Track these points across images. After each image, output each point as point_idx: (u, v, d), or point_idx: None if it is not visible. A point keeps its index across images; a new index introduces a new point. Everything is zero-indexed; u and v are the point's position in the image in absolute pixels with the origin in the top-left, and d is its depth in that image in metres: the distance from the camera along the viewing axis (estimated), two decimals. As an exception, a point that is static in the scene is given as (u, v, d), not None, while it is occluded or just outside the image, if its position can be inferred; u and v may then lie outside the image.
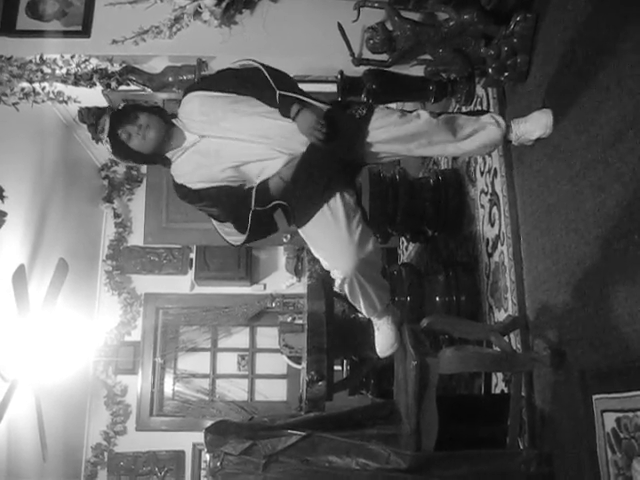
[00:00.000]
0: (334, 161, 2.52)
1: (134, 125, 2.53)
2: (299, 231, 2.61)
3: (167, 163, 2.67)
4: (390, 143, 2.56)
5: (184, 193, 2.65)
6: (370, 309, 2.65)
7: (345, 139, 2.51)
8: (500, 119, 2.66)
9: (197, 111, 2.55)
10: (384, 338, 2.75)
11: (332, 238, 2.48)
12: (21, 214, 4.85)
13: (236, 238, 2.70)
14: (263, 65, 2.56)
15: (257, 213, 2.55)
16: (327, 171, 2.51)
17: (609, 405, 2.13)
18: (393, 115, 2.57)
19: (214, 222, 2.73)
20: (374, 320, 2.74)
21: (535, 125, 2.66)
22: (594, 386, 2.22)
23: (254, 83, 2.52)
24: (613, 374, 2.12)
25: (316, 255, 2.62)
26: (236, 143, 2.51)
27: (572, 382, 2.37)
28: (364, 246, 2.46)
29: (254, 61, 2.59)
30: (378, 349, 2.79)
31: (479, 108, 3.63)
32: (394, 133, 2.53)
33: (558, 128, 2.61)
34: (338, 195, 2.49)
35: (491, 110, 3.37)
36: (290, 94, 2.46)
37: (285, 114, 2.44)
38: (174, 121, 2.60)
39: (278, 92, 2.44)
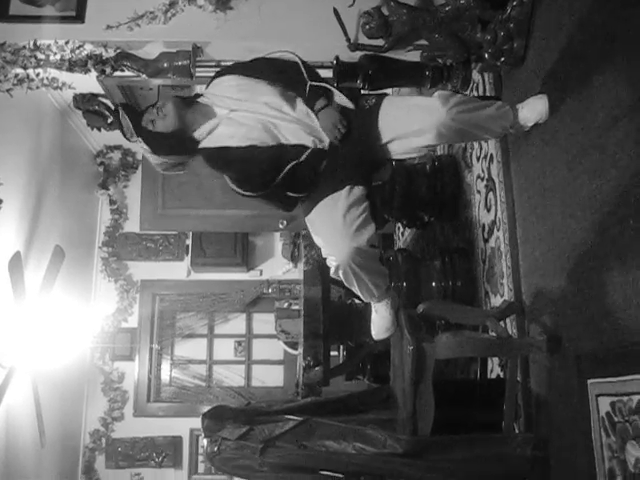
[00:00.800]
0: (355, 155, 2.54)
1: (152, 110, 2.53)
2: (305, 219, 2.65)
3: (195, 145, 2.60)
4: (403, 136, 2.56)
5: (225, 155, 2.56)
6: (367, 295, 2.67)
7: (358, 135, 2.53)
8: (509, 107, 2.65)
9: (234, 90, 2.55)
10: (380, 321, 2.76)
11: (330, 226, 2.51)
12: (17, 201, 4.84)
13: (287, 207, 2.69)
14: (299, 58, 2.58)
15: (299, 167, 2.51)
16: (346, 165, 2.54)
17: (604, 389, 2.14)
18: (404, 102, 2.60)
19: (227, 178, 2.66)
20: (372, 303, 2.76)
21: (531, 111, 2.65)
22: (589, 370, 2.23)
23: (288, 73, 2.54)
24: (608, 359, 2.13)
25: (315, 241, 2.64)
26: (272, 120, 2.50)
27: (567, 367, 2.38)
28: (360, 236, 2.48)
29: (292, 53, 2.61)
30: (373, 332, 2.80)
31: (475, 94, 3.62)
32: (406, 124, 2.54)
33: (554, 114, 2.61)
34: (347, 187, 2.52)
35: (488, 95, 3.37)
36: (321, 84, 2.51)
37: (310, 105, 2.48)
38: (199, 99, 2.60)
39: (309, 83, 2.49)
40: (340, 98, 2.55)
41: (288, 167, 2.51)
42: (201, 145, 2.60)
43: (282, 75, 2.55)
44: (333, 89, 2.56)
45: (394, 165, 3.97)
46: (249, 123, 2.51)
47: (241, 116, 2.52)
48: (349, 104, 2.54)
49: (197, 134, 2.57)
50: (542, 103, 2.63)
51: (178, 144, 2.59)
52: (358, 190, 2.54)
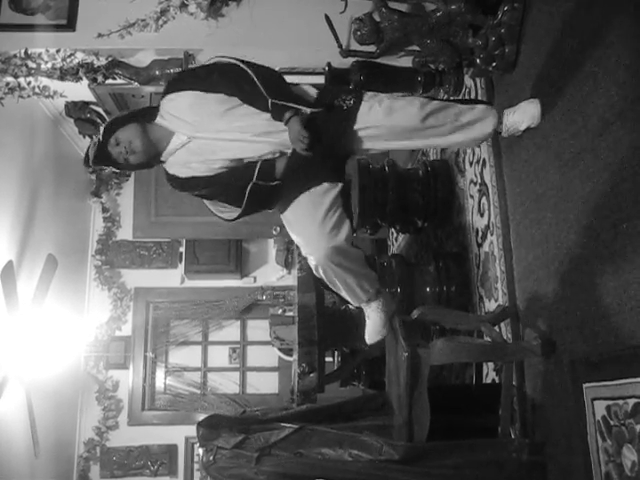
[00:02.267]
0: (320, 154, 2.51)
1: (119, 148, 2.54)
2: (281, 216, 2.66)
3: (162, 162, 2.68)
4: (378, 136, 2.57)
5: (178, 183, 2.66)
6: (353, 298, 2.67)
7: (330, 138, 2.52)
8: (494, 112, 2.66)
9: (187, 111, 2.53)
10: (371, 325, 2.75)
11: (306, 225, 2.54)
12: (9, 210, 4.82)
13: (231, 214, 2.71)
14: (248, 65, 2.53)
15: (256, 186, 2.55)
16: (313, 163, 2.52)
17: (599, 393, 2.14)
18: (382, 104, 2.55)
19: (206, 202, 2.74)
20: (363, 307, 2.75)
21: (523, 115, 2.66)
22: (584, 374, 2.23)
23: (242, 88, 2.50)
24: (603, 362, 2.13)
25: (294, 240, 2.67)
26: (232, 143, 2.52)
27: (563, 371, 2.38)
28: (336, 235, 2.50)
29: (237, 60, 2.55)
30: (366, 335, 2.80)
31: (467, 98, 3.63)
32: (382, 125, 2.54)
33: (546, 118, 2.62)
34: (319, 185, 2.54)
35: (480, 98, 3.38)
36: (281, 103, 2.45)
37: (278, 119, 2.45)
38: (158, 121, 2.58)
39: (270, 101, 2.45)
40: (298, 106, 2.49)
41: (248, 190, 2.55)
42: (165, 165, 2.66)
43: (237, 90, 2.51)
44: (290, 102, 2.47)
45: (387, 171, 3.98)
46: (203, 157, 2.55)
47: (197, 148, 2.54)
48: (306, 109, 2.48)
49: (163, 156, 2.63)
50: (534, 107, 2.64)
51: (147, 165, 2.68)
52: (330, 186, 2.56)
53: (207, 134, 2.52)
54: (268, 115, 2.47)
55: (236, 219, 2.71)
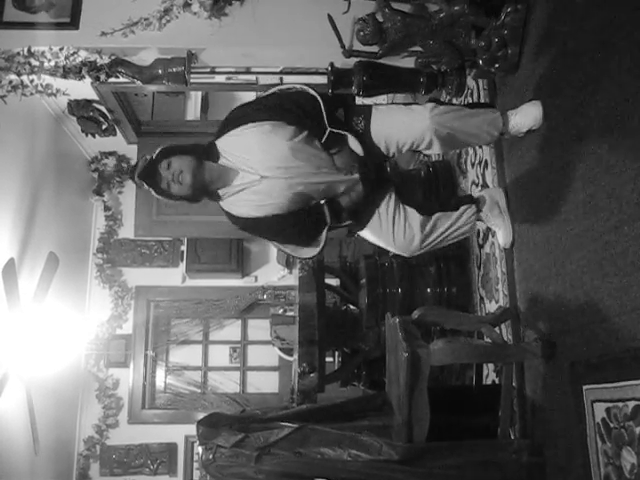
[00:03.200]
0: (377, 171, 2.67)
1: (168, 172, 2.51)
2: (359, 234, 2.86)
3: (216, 198, 2.64)
4: (396, 143, 2.63)
5: (246, 224, 2.64)
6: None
7: (367, 158, 2.61)
8: (498, 114, 2.69)
9: (257, 148, 2.51)
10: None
11: (383, 236, 2.78)
12: (10, 208, 4.82)
13: (309, 252, 2.72)
14: (319, 94, 2.57)
15: (330, 228, 2.65)
16: (371, 185, 2.65)
17: (599, 395, 2.14)
18: (389, 117, 2.62)
19: (275, 244, 2.77)
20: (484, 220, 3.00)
21: (525, 117, 2.67)
22: (584, 376, 2.23)
23: (309, 115, 2.53)
24: (603, 364, 2.13)
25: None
26: (301, 179, 2.53)
27: (563, 373, 2.38)
28: (411, 232, 2.76)
29: (310, 88, 2.60)
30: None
31: (469, 100, 3.63)
32: (394, 137, 2.61)
33: (548, 120, 2.62)
34: (382, 200, 2.73)
35: (482, 101, 3.38)
36: (338, 131, 2.53)
37: (329, 149, 2.54)
38: (221, 161, 2.55)
39: (329, 130, 2.51)
40: (353, 142, 2.58)
41: (323, 234, 2.64)
42: (224, 204, 2.63)
43: (303, 116, 2.53)
44: (347, 134, 2.56)
45: (389, 172, 3.97)
46: (271, 198, 2.53)
47: (268, 188, 2.51)
48: (359, 150, 2.58)
49: (221, 192, 2.60)
50: (536, 109, 2.65)
51: (194, 199, 2.63)
52: (389, 196, 2.74)
53: (280, 174, 2.51)
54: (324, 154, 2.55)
55: (319, 252, 2.74)
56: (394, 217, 2.74)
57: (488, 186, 3.34)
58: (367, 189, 2.62)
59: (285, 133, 2.49)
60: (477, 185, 3.52)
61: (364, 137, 2.58)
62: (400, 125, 2.59)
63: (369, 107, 2.65)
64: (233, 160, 2.54)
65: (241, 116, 2.58)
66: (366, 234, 2.82)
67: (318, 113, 2.51)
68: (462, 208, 2.88)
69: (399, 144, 2.62)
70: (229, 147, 2.55)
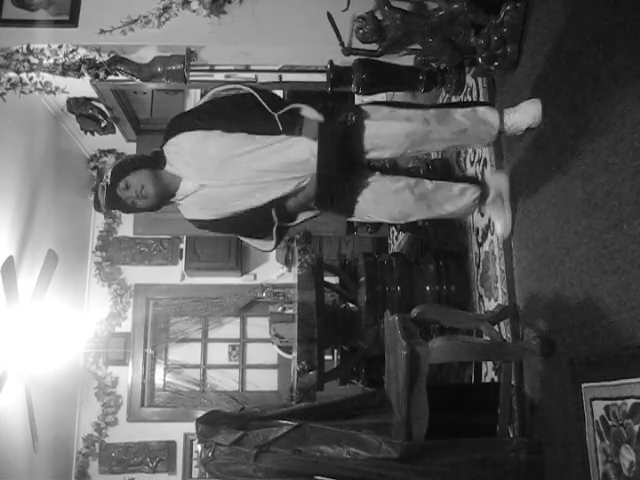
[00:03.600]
0: (344, 165, 2.61)
1: (130, 191, 2.54)
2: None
3: (172, 202, 2.72)
4: (383, 147, 2.64)
5: (200, 225, 2.74)
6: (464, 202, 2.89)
7: (345, 147, 2.59)
8: (496, 112, 2.68)
9: (192, 158, 2.55)
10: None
11: (377, 212, 2.82)
12: (9, 205, 4.82)
13: (267, 247, 2.81)
14: (253, 88, 2.57)
15: (280, 227, 2.69)
16: (344, 174, 2.64)
17: (598, 393, 2.14)
18: (382, 119, 2.61)
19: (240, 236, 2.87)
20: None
21: (524, 115, 2.66)
22: (583, 374, 2.23)
23: (251, 113, 2.53)
24: (602, 362, 2.13)
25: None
26: (242, 186, 2.56)
27: (561, 371, 2.38)
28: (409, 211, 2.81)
29: (244, 85, 2.62)
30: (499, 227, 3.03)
31: (468, 99, 3.63)
32: (385, 137, 2.61)
33: (547, 118, 2.61)
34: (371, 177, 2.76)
35: (482, 99, 3.38)
36: (287, 108, 2.51)
37: (290, 133, 2.51)
38: (167, 168, 2.60)
39: (276, 115, 2.49)
40: (308, 111, 2.55)
41: (274, 231, 2.67)
42: (179, 207, 2.72)
43: (239, 117, 2.54)
44: (298, 105, 2.55)
45: (387, 170, 3.97)
46: (215, 204, 2.61)
47: (208, 195, 2.59)
48: (318, 117, 2.54)
49: (174, 198, 2.67)
50: (535, 107, 2.64)
51: (157, 207, 2.70)
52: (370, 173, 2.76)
53: (217, 182, 2.56)
54: (277, 150, 2.51)
55: (273, 249, 2.85)
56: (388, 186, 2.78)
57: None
58: (320, 187, 2.58)
59: (219, 140, 2.52)
60: (476, 183, 3.51)
61: (353, 130, 2.57)
62: (395, 139, 2.62)
63: (368, 107, 2.65)
64: (176, 167, 2.60)
65: (177, 124, 2.64)
66: (357, 216, 2.85)
67: (257, 105, 2.51)
68: (465, 185, 2.88)
69: (385, 154, 2.69)
70: (170, 155, 2.61)
